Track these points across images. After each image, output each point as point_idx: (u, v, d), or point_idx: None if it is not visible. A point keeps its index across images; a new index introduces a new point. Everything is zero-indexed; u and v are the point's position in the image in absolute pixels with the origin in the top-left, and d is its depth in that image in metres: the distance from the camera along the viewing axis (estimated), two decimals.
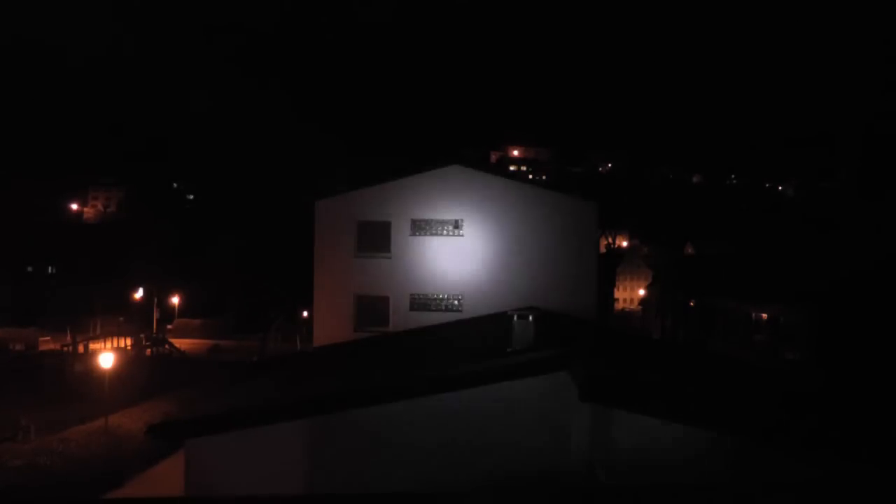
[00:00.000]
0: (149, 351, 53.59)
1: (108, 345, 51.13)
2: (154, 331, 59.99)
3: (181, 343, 57.30)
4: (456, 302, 23.29)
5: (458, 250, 23.45)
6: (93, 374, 37.65)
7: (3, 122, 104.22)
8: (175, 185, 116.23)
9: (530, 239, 23.26)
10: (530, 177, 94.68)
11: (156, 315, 61.99)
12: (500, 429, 8.94)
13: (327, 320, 23.62)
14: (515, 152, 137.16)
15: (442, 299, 23.37)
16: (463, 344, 16.34)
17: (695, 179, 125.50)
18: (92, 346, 51.41)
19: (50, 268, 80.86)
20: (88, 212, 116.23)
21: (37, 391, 35.11)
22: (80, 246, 78.72)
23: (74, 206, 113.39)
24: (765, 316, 40.97)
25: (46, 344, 53.78)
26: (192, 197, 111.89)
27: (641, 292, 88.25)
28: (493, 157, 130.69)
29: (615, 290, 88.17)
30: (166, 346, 54.96)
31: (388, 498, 2.54)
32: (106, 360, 33.41)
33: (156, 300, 62.70)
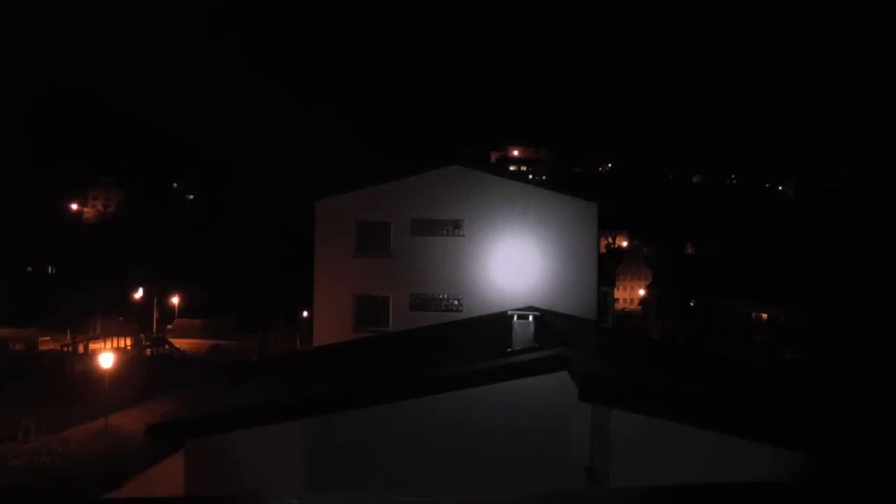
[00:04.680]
0: (149, 351, 53.58)
1: (108, 345, 51.14)
2: (154, 331, 59.97)
3: (181, 343, 57.29)
4: (456, 302, 23.28)
5: (458, 250, 23.45)
6: (93, 374, 37.64)
7: (2, 122, 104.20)
8: (175, 185, 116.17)
9: (530, 239, 23.27)
10: (530, 177, 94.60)
11: (156, 315, 61.99)
12: (499, 429, 8.93)
13: (327, 320, 23.62)
14: (515, 152, 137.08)
15: (442, 299, 23.37)
16: (463, 344, 16.33)
17: (695, 179, 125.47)
18: (92, 346, 51.40)
19: (50, 268, 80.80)
20: (88, 212, 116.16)
21: (37, 391, 35.09)
22: (80, 246, 78.69)
23: (74, 206, 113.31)
24: (765, 316, 40.98)
25: (46, 344, 53.73)
26: (192, 197, 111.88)
27: (641, 292, 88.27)
28: (493, 157, 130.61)
29: (615, 290, 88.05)
30: (166, 346, 54.95)
31: (388, 498, 2.53)
32: (106, 360, 33.38)
33: (156, 300, 62.69)
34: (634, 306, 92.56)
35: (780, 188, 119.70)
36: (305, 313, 50.57)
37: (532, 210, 23.42)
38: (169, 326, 64.83)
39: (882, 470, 6.29)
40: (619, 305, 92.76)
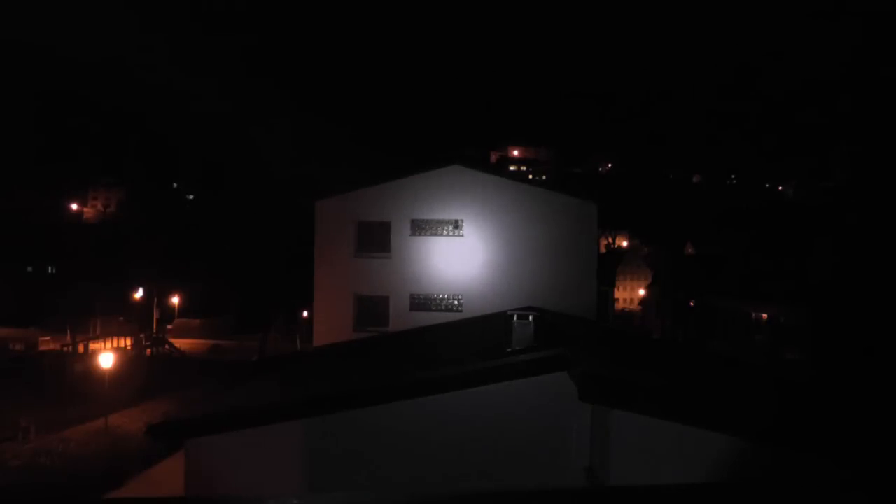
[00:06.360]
0: (149, 351, 53.60)
1: (108, 345, 51.17)
2: (154, 331, 59.98)
3: (181, 343, 57.32)
4: (456, 302, 23.28)
5: (458, 250, 23.45)
6: (93, 374, 37.65)
7: (2, 122, 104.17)
8: (175, 185, 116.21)
9: (530, 239, 23.27)
10: (530, 177, 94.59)
11: (156, 315, 61.98)
12: (499, 429, 8.94)
13: (327, 320, 23.62)
14: (515, 152, 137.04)
15: (442, 299, 23.37)
16: (463, 344, 16.33)
17: (695, 179, 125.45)
18: (92, 346, 51.43)
19: (50, 268, 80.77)
20: (88, 212, 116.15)
21: (37, 391, 35.11)
22: (80, 246, 78.65)
23: (74, 206, 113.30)
24: (765, 316, 41.01)
25: (46, 344, 53.75)
26: (192, 197, 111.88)
27: (641, 292, 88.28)
28: (493, 157, 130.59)
29: (615, 290, 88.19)
30: (166, 346, 54.98)
31: (388, 498, 2.54)
32: (106, 360, 33.40)
33: (156, 300, 62.68)
34: (634, 306, 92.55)
35: (780, 188, 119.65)
36: (305, 313, 50.57)
37: (532, 210, 23.42)
38: (169, 326, 64.82)
39: (882, 470, 6.29)
40: (619, 305, 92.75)
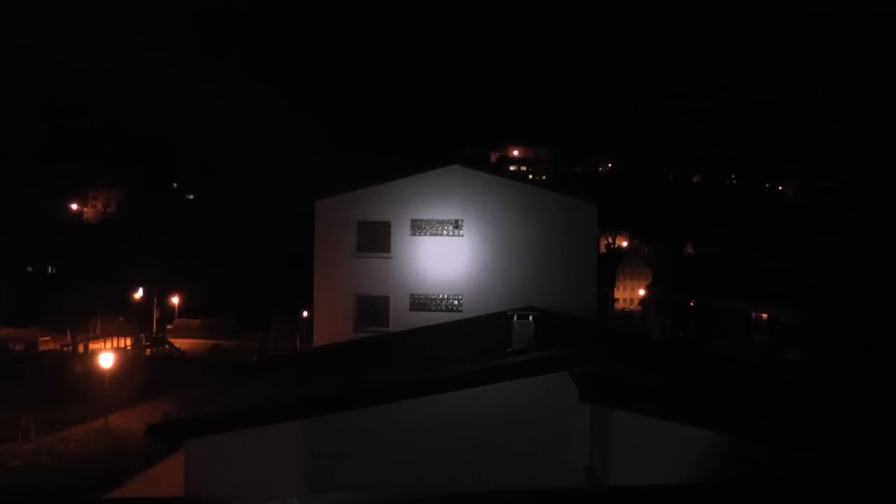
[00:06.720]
0: (149, 351, 53.61)
1: (108, 345, 51.16)
2: (154, 331, 59.99)
3: (181, 343, 57.33)
4: (456, 302, 23.28)
5: (458, 250, 23.45)
6: (93, 374, 37.65)
7: (2, 123, 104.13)
8: (175, 185, 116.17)
9: (530, 239, 23.27)
10: (530, 177, 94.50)
11: (156, 315, 61.99)
12: (499, 429, 8.94)
13: (327, 320, 23.62)
14: (515, 152, 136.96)
15: (442, 299, 23.37)
16: (463, 344, 16.33)
17: (695, 179, 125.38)
18: (92, 346, 51.43)
19: (50, 268, 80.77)
20: (88, 212, 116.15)
21: (37, 391, 35.11)
22: (80, 246, 78.60)
23: (74, 206, 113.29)
24: (765, 316, 41.01)
25: (46, 344, 53.76)
26: (192, 197, 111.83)
27: (641, 292, 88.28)
28: (493, 157, 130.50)
29: (615, 290, 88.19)
30: (166, 346, 54.99)
31: (388, 498, 2.53)
32: (106, 360, 33.41)
33: (156, 300, 62.69)
34: (634, 306, 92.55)
35: (780, 188, 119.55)
36: (305, 313, 50.56)
37: (532, 210, 23.42)
38: (169, 326, 64.83)
39: (883, 470, 6.29)
40: (619, 305, 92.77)
